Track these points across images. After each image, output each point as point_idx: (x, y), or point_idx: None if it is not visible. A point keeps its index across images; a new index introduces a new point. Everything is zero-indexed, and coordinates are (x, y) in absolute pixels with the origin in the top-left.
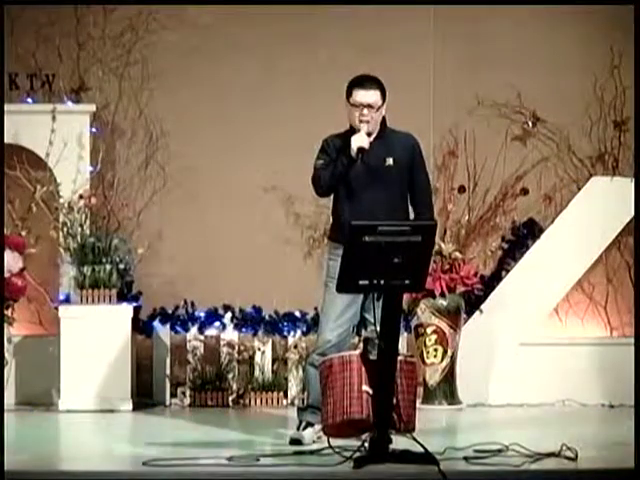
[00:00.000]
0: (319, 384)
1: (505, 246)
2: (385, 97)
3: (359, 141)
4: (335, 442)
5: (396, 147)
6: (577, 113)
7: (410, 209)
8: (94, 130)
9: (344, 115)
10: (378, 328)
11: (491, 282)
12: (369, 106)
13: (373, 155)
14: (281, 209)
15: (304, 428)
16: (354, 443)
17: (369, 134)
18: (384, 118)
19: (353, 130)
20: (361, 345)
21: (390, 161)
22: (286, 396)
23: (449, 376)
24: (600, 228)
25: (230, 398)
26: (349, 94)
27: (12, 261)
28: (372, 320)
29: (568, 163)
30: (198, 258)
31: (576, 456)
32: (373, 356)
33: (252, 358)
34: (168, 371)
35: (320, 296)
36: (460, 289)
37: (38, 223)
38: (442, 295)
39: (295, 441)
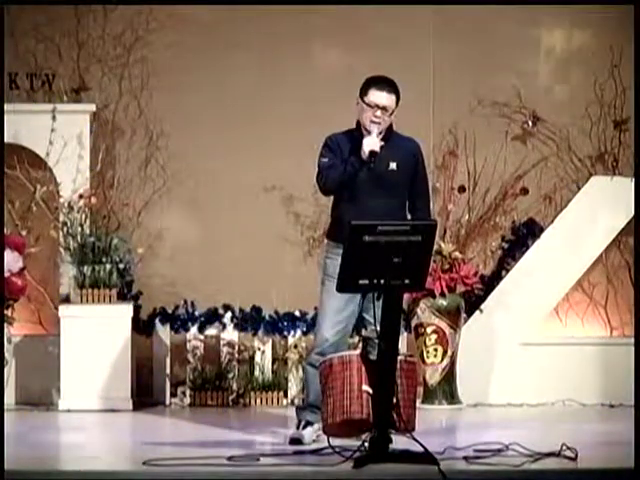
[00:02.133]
0: (319, 384)
1: (505, 246)
2: (399, 102)
3: (371, 144)
4: (335, 442)
5: (400, 152)
6: (577, 113)
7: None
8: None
9: (344, 115)
10: (378, 328)
11: (491, 282)
12: (384, 108)
13: (377, 158)
14: (281, 209)
15: (304, 427)
16: (354, 443)
17: (377, 135)
18: (390, 122)
19: (358, 129)
20: (361, 345)
21: (394, 165)
22: (286, 396)
23: (449, 376)
24: (600, 228)
25: (230, 398)
26: (365, 92)
27: (12, 261)
28: (371, 320)
29: (568, 163)
30: (198, 258)
31: (576, 456)
32: (373, 356)
33: (252, 358)
34: (168, 371)
35: None
36: (460, 289)
37: (38, 223)
38: (442, 295)
39: (295, 440)
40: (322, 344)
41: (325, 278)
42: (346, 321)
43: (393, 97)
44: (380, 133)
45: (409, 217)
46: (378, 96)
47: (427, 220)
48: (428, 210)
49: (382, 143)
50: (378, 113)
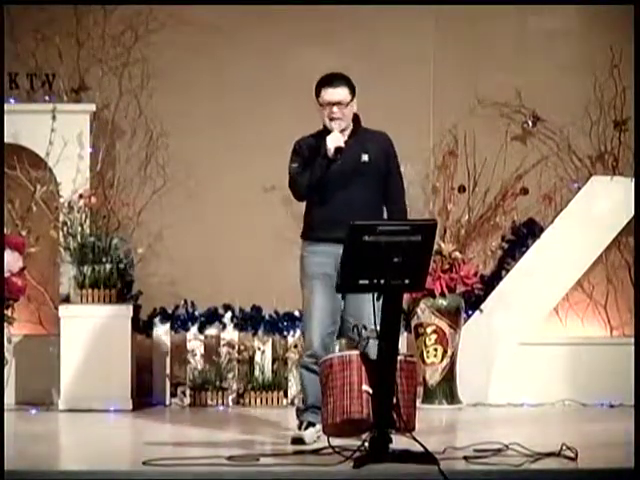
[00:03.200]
0: (319, 384)
1: (505, 246)
2: (354, 92)
3: (335, 141)
4: (335, 442)
5: (370, 144)
6: (577, 113)
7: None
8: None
9: None
10: (378, 328)
11: (491, 282)
12: (338, 103)
13: (347, 153)
14: (281, 209)
15: (305, 428)
16: (354, 443)
17: (342, 130)
18: (358, 117)
19: (326, 130)
20: (360, 345)
21: (365, 157)
22: (286, 396)
23: (449, 376)
24: (600, 228)
25: (230, 398)
26: (317, 94)
27: (12, 261)
28: (351, 320)
29: (568, 163)
30: (198, 258)
31: (576, 456)
32: (373, 356)
33: (252, 358)
34: (168, 371)
35: None
36: (460, 289)
37: (38, 223)
38: (442, 295)
39: (297, 440)
40: (311, 345)
41: (303, 278)
42: (332, 318)
43: (345, 90)
44: (343, 130)
45: (384, 209)
46: (329, 93)
47: (427, 220)
48: (403, 201)
49: (346, 138)
50: (334, 109)
